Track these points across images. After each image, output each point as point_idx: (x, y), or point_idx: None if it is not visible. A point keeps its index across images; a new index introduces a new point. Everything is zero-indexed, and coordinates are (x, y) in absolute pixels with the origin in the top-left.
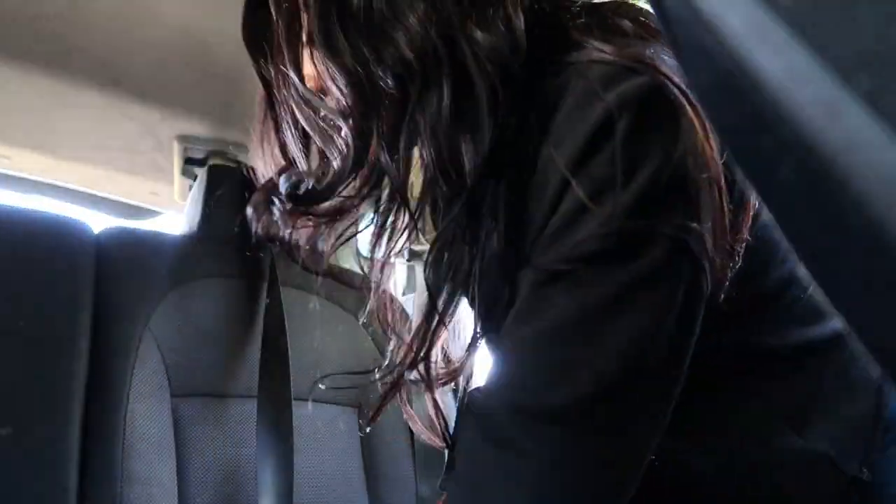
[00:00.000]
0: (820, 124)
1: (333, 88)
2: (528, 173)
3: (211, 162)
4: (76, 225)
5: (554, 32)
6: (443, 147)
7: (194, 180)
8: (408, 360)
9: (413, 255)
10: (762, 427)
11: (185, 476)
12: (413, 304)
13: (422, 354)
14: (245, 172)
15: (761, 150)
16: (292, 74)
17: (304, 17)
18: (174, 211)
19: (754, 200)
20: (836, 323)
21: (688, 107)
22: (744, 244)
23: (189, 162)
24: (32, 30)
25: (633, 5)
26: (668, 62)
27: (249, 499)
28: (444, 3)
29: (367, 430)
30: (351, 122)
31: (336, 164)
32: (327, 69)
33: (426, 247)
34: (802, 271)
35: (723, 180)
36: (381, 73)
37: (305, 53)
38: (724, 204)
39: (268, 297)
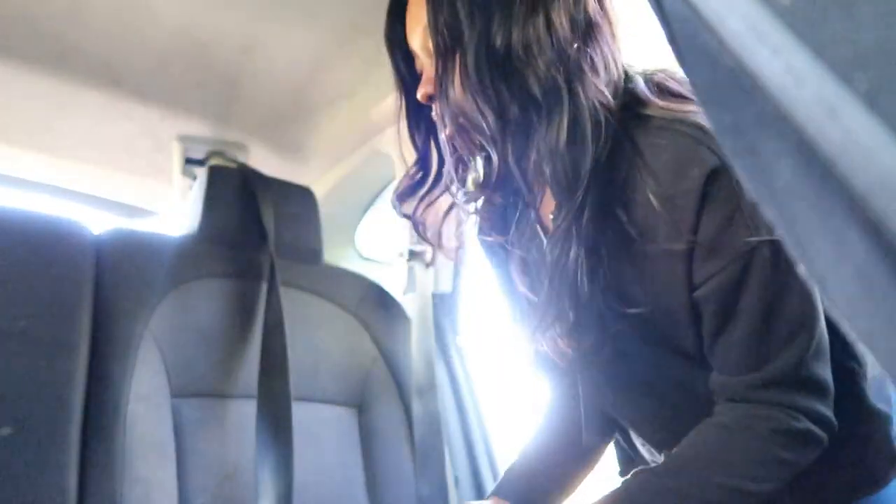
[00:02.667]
0: (820, 124)
1: (479, 118)
2: (619, 192)
3: (211, 162)
4: (76, 226)
5: (632, 86)
6: (558, 165)
7: (194, 180)
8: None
9: (413, 256)
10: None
11: (184, 476)
12: (414, 304)
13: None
14: (244, 172)
15: (761, 150)
16: (447, 108)
17: (458, 56)
18: (174, 211)
19: None
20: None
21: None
22: None
23: (189, 162)
24: (32, 30)
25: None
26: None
27: (249, 498)
28: (567, 52)
29: (368, 429)
30: (495, 145)
31: (482, 174)
32: (476, 102)
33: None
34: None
35: None
36: (514, 107)
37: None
38: None
39: (267, 297)
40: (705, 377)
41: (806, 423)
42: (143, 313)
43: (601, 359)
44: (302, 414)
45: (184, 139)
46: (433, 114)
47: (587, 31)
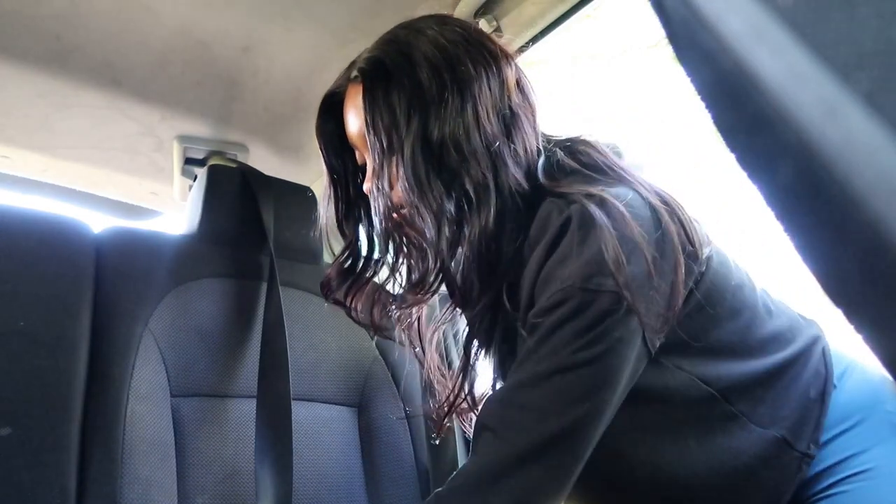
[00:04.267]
0: (820, 124)
1: (416, 214)
2: (522, 266)
3: (211, 162)
4: (76, 225)
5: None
6: (484, 250)
7: (194, 180)
8: (452, 398)
9: None
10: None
11: (184, 476)
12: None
13: (465, 392)
14: (244, 172)
15: (761, 150)
16: (383, 202)
17: (395, 154)
18: (174, 211)
19: (683, 284)
20: (781, 353)
21: (602, 225)
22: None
23: (189, 162)
24: (32, 30)
25: (587, 142)
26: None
27: (248, 498)
28: (493, 147)
29: (368, 429)
30: (432, 239)
31: (421, 266)
32: (414, 198)
33: None
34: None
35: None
36: (449, 203)
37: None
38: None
39: (267, 296)
40: None
41: None
42: (143, 313)
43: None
44: (302, 414)
45: (184, 139)
46: (369, 206)
47: (510, 122)
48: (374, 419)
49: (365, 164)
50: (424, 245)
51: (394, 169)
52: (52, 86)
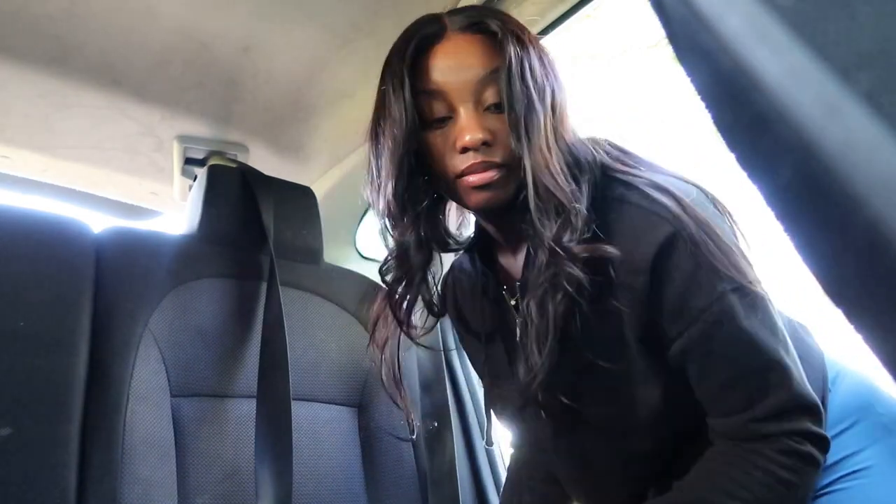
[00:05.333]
0: (820, 124)
1: (560, 176)
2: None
3: (211, 162)
4: (76, 225)
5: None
6: (578, 215)
7: (194, 180)
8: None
9: None
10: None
11: (184, 476)
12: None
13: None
14: (244, 172)
15: (761, 150)
16: (502, 154)
17: (537, 116)
18: (174, 211)
19: None
20: None
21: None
22: None
23: (189, 162)
24: (32, 30)
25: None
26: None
27: (248, 498)
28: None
29: (368, 429)
30: (573, 202)
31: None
32: (547, 162)
33: None
34: None
35: None
36: (568, 174)
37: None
38: None
39: (267, 296)
40: (646, 440)
41: (807, 446)
42: (143, 313)
43: (557, 423)
44: (302, 413)
45: (184, 139)
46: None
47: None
48: (374, 419)
49: (440, 117)
50: (565, 206)
51: (537, 128)
52: (52, 86)
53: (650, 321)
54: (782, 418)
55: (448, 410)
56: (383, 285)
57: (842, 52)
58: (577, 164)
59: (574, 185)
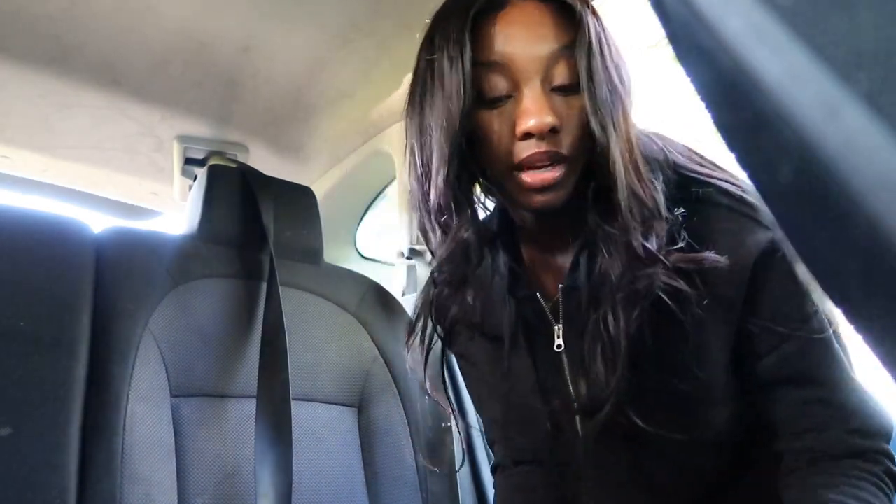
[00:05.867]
0: (820, 124)
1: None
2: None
3: (211, 162)
4: (76, 225)
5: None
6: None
7: (194, 180)
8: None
9: (413, 255)
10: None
11: (184, 476)
12: (413, 304)
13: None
14: (244, 172)
15: (761, 150)
16: (574, 137)
17: (621, 101)
18: (174, 211)
19: None
20: None
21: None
22: None
23: (189, 162)
24: (32, 30)
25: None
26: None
27: (248, 498)
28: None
29: (368, 429)
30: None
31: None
32: (632, 156)
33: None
34: None
35: None
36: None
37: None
38: None
39: (267, 297)
40: (710, 468)
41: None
42: (143, 313)
43: (605, 440)
44: (302, 414)
45: (184, 139)
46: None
47: None
48: (374, 419)
49: (499, 95)
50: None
51: (619, 113)
52: (52, 86)
53: (738, 335)
54: (878, 437)
55: (447, 414)
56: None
57: (842, 52)
58: (646, 159)
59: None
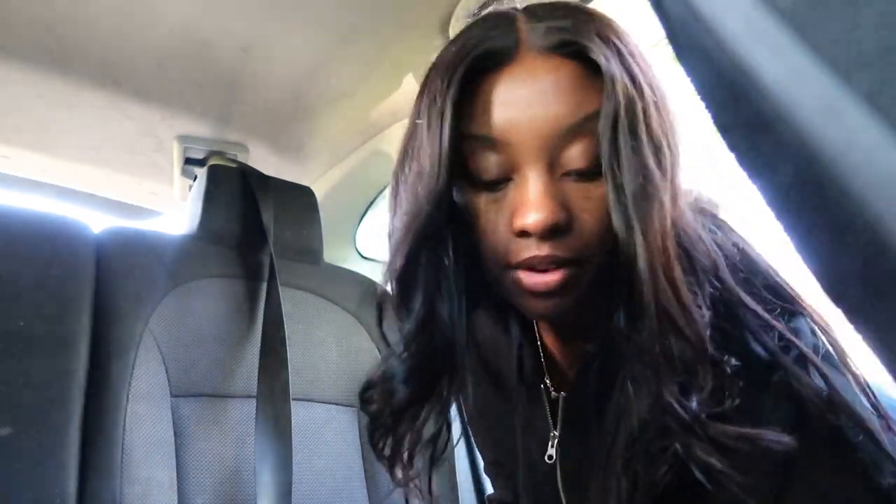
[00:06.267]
0: (820, 124)
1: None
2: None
3: (211, 162)
4: (76, 225)
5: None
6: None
7: (194, 180)
8: None
9: None
10: None
11: (184, 476)
12: None
13: None
14: (244, 172)
15: (761, 150)
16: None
17: (664, 183)
18: (174, 211)
19: None
20: None
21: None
22: None
23: (189, 162)
24: (32, 30)
25: None
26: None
27: (248, 498)
28: None
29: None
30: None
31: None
32: (668, 254)
33: None
34: None
35: None
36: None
37: None
38: None
39: (267, 297)
40: None
41: None
42: (143, 313)
43: None
44: (302, 414)
45: (184, 139)
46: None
47: None
48: None
49: (492, 180)
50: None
51: (652, 209)
52: (52, 86)
53: None
54: None
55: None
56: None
57: (842, 52)
58: (692, 268)
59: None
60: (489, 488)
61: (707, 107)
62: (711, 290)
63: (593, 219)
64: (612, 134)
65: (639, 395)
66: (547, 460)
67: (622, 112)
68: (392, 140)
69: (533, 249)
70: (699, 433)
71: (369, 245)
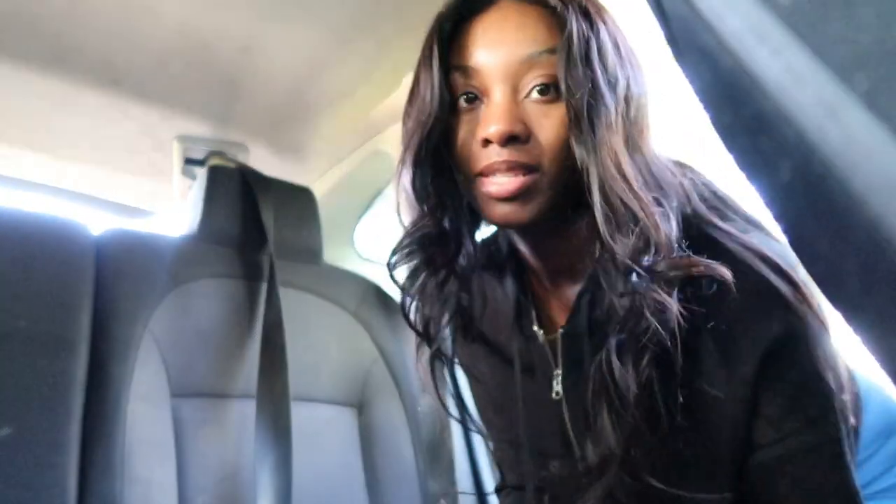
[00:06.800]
0: (820, 124)
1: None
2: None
3: (211, 162)
4: (76, 227)
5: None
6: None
7: (194, 180)
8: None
9: None
10: None
11: (184, 476)
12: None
13: None
14: (244, 172)
15: (761, 150)
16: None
17: (607, 108)
18: (174, 211)
19: None
20: None
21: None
22: None
23: (189, 162)
24: (32, 29)
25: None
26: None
27: (248, 498)
28: None
29: (368, 429)
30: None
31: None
32: (622, 170)
33: None
34: None
35: None
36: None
37: None
38: None
39: (267, 297)
40: None
41: None
42: (143, 313)
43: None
44: (302, 414)
45: (184, 139)
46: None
47: None
48: (374, 419)
49: (469, 98)
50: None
51: (601, 120)
52: (52, 86)
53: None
54: None
55: (447, 416)
56: (396, 287)
57: (841, 52)
58: (657, 185)
59: (657, 205)
60: (489, 488)
61: (707, 107)
62: (678, 204)
63: (550, 133)
64: (567, 61)
65: (617, 285)
66: (554, 397)
67: (576, 42)
68: (392, 140)
69: (493, 156)
70: (656, 274)
71: (369, 245)
